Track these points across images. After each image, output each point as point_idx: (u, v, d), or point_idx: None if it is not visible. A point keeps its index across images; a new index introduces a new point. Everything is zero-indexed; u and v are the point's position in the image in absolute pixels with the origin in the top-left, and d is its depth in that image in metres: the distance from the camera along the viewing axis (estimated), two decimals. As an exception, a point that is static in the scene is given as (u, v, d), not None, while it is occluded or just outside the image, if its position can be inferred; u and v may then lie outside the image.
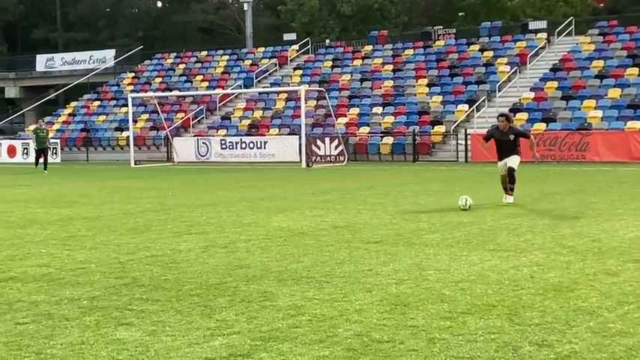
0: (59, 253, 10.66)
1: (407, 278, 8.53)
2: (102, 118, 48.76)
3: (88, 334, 6.45)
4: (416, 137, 36.03)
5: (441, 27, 47.71)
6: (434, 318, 6.77)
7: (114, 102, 50.25)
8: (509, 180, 15.74)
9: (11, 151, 44.72)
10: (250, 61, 49.83)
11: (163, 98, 46.71)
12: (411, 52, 45.19)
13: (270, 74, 48.26)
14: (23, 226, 13.74)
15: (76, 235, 12.51)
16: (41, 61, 60.72)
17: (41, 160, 33.86)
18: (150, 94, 46.75)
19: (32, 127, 50.70)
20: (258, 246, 11.02)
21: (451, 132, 36.36)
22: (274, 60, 49.17)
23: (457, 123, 36.74)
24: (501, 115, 16.34)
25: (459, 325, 6.55)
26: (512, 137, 15.78)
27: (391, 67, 44.17)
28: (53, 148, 35.18)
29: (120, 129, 45.95)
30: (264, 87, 46.09)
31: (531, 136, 16.44)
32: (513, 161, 15.82)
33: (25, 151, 43.98)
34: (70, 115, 50.83)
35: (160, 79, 51.00)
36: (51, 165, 34.31)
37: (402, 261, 9.62)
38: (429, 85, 41.07)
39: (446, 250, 10.35)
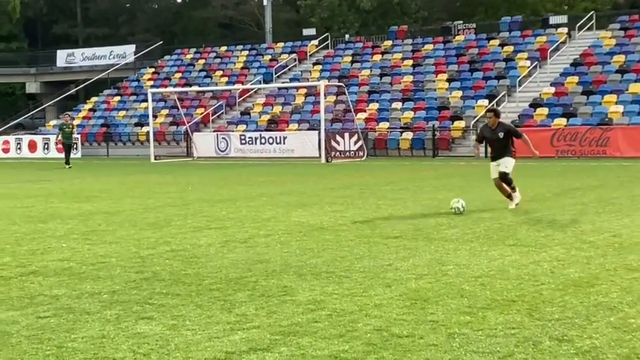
0: (80, 248, 10.72)
1: (426, 273, 8.52)
2: (122, 113, 48.96)
3: (108, 327, 6.49)
4: (435, 132, 35.94)
5: (461, 22, 47.53)
6: (453, 313, 6.76)
7: (134, 97, 50.45)
8: (505, 183, 14.46)
9: (32, 146, 44.98)
10: (270, 57, 49.84)
11: (183, 93, 46.85)
12: (430, 47, 45.05)
13: (289, 69, 48.27)
14: (44, 221, 13.83)
15: (96, 230, 12.58)
16: (62, 57, 61.04)
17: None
18: (170, 89, 46.89)
19: (53, 123, 51.05)
20: (277, 241, 11.04)
21: (471, 127, 36.23)
22: (294, 55, 49.16)
23: (477, 118, 36.60)
24: (489, 110, 15.43)
25: (478, 320, 6.53)
26: (501, 135, 14.38)
27: (411, 62, 44.06)
28: (74, 144, 34.83)
29: (140, 124, 46.12)
30: (283, 82, 46.10)
31: (524, 135, 14.75)
32: (506, 164, 14.42)
33: (46, 147, 44.22)
34: (90, 110, 51.08)
35: (180, 75, 51.14)
36: (71, 160, 34.34)
37: (421, 256, 9.61)
38: (448, 80, 40.96)
39: (466, 246, 10.33)
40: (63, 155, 33.97)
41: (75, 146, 34.56)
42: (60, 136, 34.21)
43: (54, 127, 49.82)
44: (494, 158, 14.60)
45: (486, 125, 15.07)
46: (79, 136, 43.93)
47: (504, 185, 14.41)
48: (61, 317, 6.86)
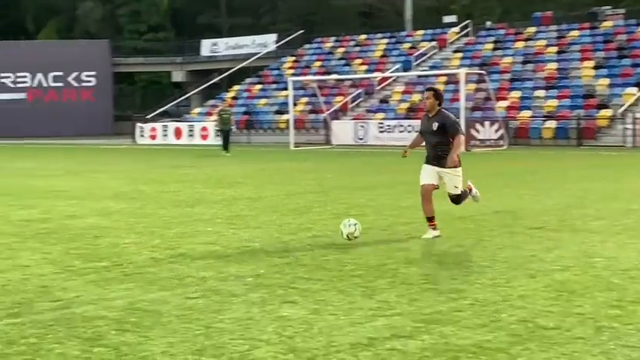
0: (225, 232, 11.00)
1: (572, 265, 8.31)
2: (263, 101, 49.84)
3: (254, 310, 6.64)
4: (580, 121, 34.91)
5: (609, 7, 45.93)
6: (601, 306, 6.57)
7: (274, 85, 51.25)
8: (456, 204, 10.88)
9: (178, 133, 46.36)
10: (409, 44, 49.62)
11: (322, 82, 47.23)
12: (576, 33, 43.76)
13: (429, 57, 47.92)
14: (191, 205, 14.26)
15: (240, 215, 12.87)
16: (206, 46, 62.71)
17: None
18: (309, 77, 47.37)
19: (197, 110, 52.51)
20: (417, 229, 10.99)
21: (618, 116, 35.01)
22: (434, 43, 48.77)
23: (625, 107, 35.33)
24: (428, 88, 10.87)
25: (628, 314, 6.33)
26: (435, 126, 10.37)
27: (555, 48, 42.93)
28: (231, 129, 34.04)
29: (280, 112, 46.82)
30: (422, 70, 45.83)
31: (461, 137, 10.52)
32: (452, 184, 10.50)
33: (191, 133, 45.52)
34: (232, 98, 52.22)
35: (320, 63, 51.60)
36: (214, 147, 35.06)
37: (566, 247, 9.38)
38: (595, 68, 39.68)
39: (613, 238, 10.01)
40: (207, 142, 34.56)
41: (231, 132, 33.88)
42: (218, 122, 34.43)
43: (198, 114, 51.27)
44: (428, 159, 10.57)
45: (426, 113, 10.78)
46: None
47: (431, 204, 10.39)
48: (208, 298, 7.06)
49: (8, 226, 11.85)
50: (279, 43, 58.01)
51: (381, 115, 42.22)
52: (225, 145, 32.72)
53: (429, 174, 10.41)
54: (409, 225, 11.41)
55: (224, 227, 11.44)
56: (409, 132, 37.79)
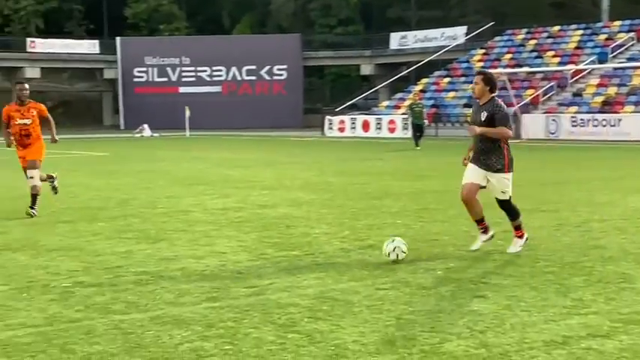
0: (413, 225, 11.02)
1: None
2: (451, 94, 49.45)
3: (444, 303, 6.62)
4: None
5: None
6: None
7: (463, 78, 50.71)
8: (507, 214, 9.22)
9: (365, 126, 46.80)
10: (605, 36, 47.77)
11: (513, 74, 46.27)
12: None
13: (626, 49, 45.96)
14: (379, 197, 14.37)
15: (427, 208, 12.84)
16: (395, 39, 62.94)
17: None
18: (499, 70, 46.51)
19: (385, 103, 52.83)
20: (614, 226, 10.62)
21: None
22: (632, 34, 46.71)
23: None
24: (478, 72, 9.44)
25: None
26: (484, 116, 8.89)
27: None
28: (424, 123, 32.97)
29: (468, 105, 46.23)
30: (619, 62, 43.99)
31: (506, 129, 8.88)
32: (499, 188, 9.05)
33: (378, 126, 45.81)
34: (421, 91, 52.08)
35: (510, 55, 50.60)
36: (401, 140, 35.03)
37: None
38: None
39: None
40: (395, 135, 34.59)
41: (424, 126, 32.77)
42: (409, 116, 33.67)
43: (386, 107, 51.55)
44: (474, 157, 9.19)
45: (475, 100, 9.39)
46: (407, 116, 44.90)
47: (476, 206, 9.18)
48: (398, 290, 7.10)
49: (206, 214, 12.38)
50: (469, 36, 57.37)
51: (573, 108, 40.91)
52: (417, 139, 32.12)
53: (472, 172, 9.08)
54: (605, 222, 11.02)
55: (412, 220, 11.46)
56: (603, 126, 36.47)
